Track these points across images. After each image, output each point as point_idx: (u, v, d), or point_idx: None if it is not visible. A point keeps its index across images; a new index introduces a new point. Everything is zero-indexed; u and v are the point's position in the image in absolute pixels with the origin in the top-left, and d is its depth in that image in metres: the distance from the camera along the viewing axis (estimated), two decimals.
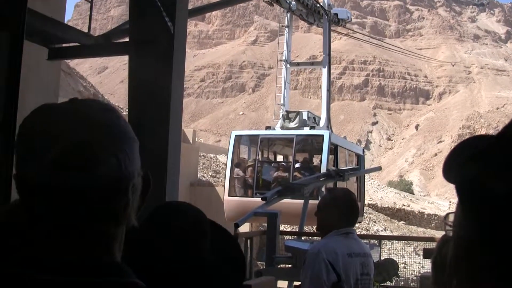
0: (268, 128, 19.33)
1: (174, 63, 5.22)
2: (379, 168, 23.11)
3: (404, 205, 38.19)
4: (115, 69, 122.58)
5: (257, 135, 18.34)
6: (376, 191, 42.17)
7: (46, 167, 0.92)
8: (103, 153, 0.95)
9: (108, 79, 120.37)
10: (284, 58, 20.82)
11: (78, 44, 6.94)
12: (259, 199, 14.43)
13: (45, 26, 5.99)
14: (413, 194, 55.47)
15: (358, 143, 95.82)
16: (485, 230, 0.63)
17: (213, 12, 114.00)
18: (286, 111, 19.10)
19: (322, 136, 16.86)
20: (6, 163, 3.04)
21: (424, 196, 63.78)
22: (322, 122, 19.00)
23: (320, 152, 16.69)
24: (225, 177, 17.91)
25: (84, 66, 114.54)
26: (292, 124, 17.90)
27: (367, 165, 62.46)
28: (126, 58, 5.48)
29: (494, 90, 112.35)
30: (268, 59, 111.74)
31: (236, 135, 17.91)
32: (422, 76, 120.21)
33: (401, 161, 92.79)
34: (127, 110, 5.78)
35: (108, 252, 0.99)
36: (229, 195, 16.64)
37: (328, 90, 19.84)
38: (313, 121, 18.50)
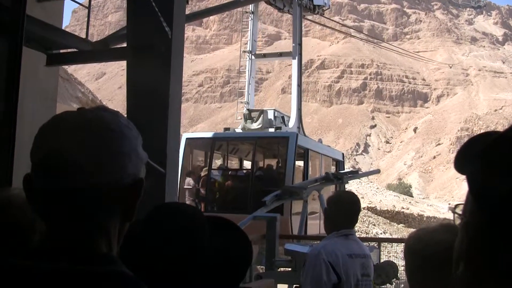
0: (226, 130, 16.63)
1: (172, 68, 5.22)
2: (377, 171, 22.24)
3: (403, 208, 38.17)
4: (113, 75, 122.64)
5: (211, 138, 15.75)
6: (375, 194, 42.17)
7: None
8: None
9: (106, 85, 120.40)
10: (248, 49, 18.49)
11: (76, 50, 6.96)
12: (214, 214, 13.78)
13: (43, 32, 6.01)
14: (412, 196, 55.46)
15: (357, 147, 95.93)
16: (494, 221, 0.66)
17: (211, 17, 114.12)
18: (248, 109, 16.73)
19: (287, 138, 14.15)
20: (6, 167, 3.06)
21: (423, 198, 63.74)
22: (292, 123, 16.47)
23: (285, 157, 14.09)
24: None
25: (82, 72, 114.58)
26: (254, 125, 15.45)
27: (366, 169, 62.31)
28: (124, 63, 5.47)
29: (492, 92, 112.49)
30: (266, 63, 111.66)
31: (187, 138, 15.40)
32: (420, 79, 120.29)
33: (400, 164, 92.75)
34: (126, 115, 5.79)
35: (101, 245, 1.04)
36: None
37: (299, 85, 17.39)
38: (281, 121, 16.08)
